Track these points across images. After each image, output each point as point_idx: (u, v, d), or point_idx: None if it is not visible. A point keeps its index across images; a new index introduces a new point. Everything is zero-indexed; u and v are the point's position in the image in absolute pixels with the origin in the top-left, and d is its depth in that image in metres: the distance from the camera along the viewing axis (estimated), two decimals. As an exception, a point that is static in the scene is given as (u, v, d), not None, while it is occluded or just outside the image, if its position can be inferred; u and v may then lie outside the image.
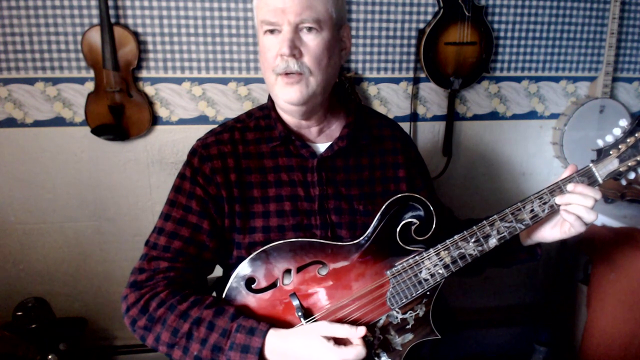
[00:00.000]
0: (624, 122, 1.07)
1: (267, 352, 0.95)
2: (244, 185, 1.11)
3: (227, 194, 1.10)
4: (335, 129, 1.19)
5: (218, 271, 1.20)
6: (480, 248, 1.06)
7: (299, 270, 1.04)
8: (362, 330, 0.96)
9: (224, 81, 2.01)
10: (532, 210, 1.06)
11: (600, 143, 1.08)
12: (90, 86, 1.92)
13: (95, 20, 1.86)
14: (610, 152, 1.06)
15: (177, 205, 1.10)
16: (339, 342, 0.95)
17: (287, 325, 1.02)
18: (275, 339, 0.96)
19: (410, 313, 1.07)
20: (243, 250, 1.09)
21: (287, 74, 1.03)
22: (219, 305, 1.01)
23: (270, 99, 1.18)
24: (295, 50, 1.02)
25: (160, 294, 1.02)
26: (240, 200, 1.10)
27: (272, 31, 1.04)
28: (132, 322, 1.03)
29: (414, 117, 2.18)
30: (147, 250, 1.09)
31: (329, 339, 0.94)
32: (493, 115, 2.25)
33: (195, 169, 1.12)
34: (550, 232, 1.11)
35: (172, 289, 1.03)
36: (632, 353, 1.66)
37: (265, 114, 1.18)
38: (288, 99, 1.05)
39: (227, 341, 0.96)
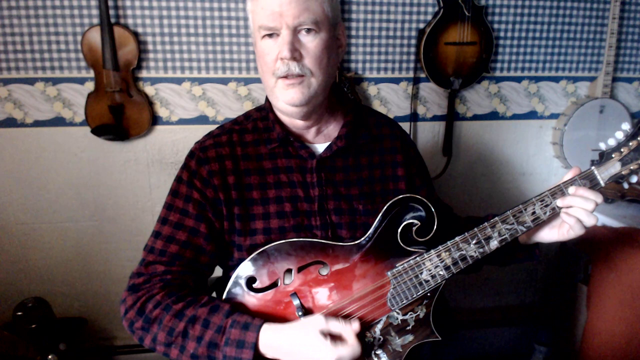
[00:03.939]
0: (626, 126, 1.06)
1: (262, 346, 0.96)
2: (243, 187, 1.11)
3: (225, 196, 1.09)
4: (333, 128, 1.18)
5: (218, 271, 1.20)
6: (481, 250, 1.06)
7: (299, 270, 1.04)
8: (356, 326, 0.97)
9: (224, 81, 2.01)
10: (533, 213, 1.06)
11: (603, 146, 1.07)
12: (90, 86, 1.91)
13: (95, 20, 1.86)
14: (613, 155, 1.06)
15: (174, 209, 1.10)
16: (334, 338, 0.95)
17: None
18: (269, 333, 0.96)
19: (411, 314, 1.07)
20: (244, 252, 1.09)
21: (288, 76, 1.03)
22: (213, 303, 1.02)
23: (267, 100, 1.17)
24: (296, 53, 1.02)
25: (156, 296, 1.02)
26: (240, 202, 1.10)
27: (270, 35, 1.03)
28: (130, 324, 1.03)
29: (414, 117, 2.18)
30: (145, 255, 1.10)
31: (325, 335, 0.94)
32: (493, 115, 2.25)
33: (192, 171, 1.12)
34: (549, 233, 1.11)
35: (168, 290, 1.03)
36: (632, 353, 1.66)
37: (263, 116, 1.18)
38: (290, 100, 1.05)
39: (222, 337, 0.96)
